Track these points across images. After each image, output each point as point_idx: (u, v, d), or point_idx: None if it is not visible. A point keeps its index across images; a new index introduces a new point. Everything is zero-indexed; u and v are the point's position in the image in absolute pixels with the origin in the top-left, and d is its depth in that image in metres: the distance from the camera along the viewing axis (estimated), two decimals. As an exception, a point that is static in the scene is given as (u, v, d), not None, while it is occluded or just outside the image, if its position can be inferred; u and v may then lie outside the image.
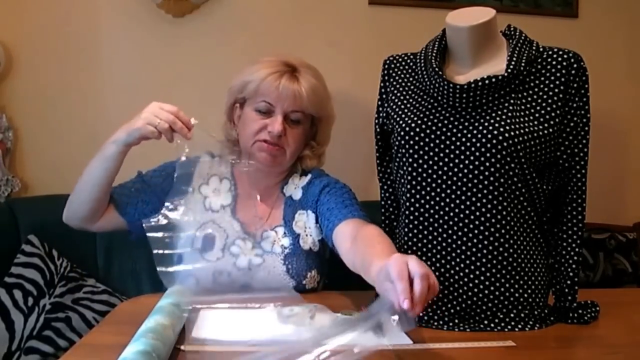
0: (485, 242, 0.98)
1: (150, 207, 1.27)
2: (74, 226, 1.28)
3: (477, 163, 0.98)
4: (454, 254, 0.99)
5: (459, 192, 0.99)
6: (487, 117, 0.99)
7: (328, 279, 1.34)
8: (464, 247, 0.99)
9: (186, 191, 1.27)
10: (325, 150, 1.40)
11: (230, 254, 1.24)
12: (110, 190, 1.25)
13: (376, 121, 1.20)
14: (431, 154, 1.01)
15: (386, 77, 1.18)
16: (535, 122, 1.00)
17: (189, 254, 1.23)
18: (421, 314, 1.01)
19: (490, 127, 0.98)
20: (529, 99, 1.02)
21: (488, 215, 0.98)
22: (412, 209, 1.03)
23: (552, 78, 1.03)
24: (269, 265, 1.23)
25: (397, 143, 1.06)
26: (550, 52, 1.05)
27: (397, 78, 1.16)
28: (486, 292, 0.98)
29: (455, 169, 0.99)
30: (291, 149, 1.28)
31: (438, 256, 1.01)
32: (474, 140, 0.98)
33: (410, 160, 1.03)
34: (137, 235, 1.27)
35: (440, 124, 1.01)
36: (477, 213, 0.98)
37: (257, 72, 1.26)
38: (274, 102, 1.25)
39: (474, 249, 0.98)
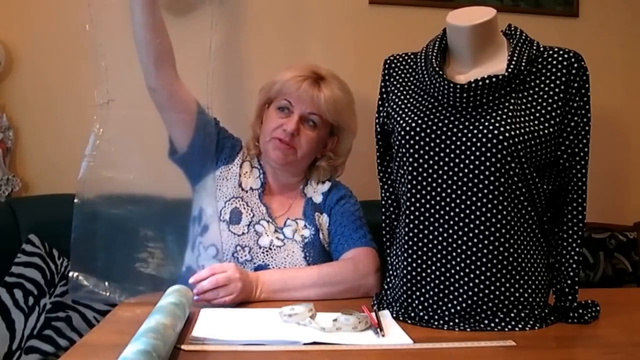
0: (486, 242, 0.98)
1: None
2: (153, 83, 1.26)
3: (477, 163, 0.98)
4: (454, 254, 0.99)
5: (459, 192, 0.99)
6: (488, 117, 0.99)
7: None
8: (464, 247, 0.99)
9: (232, 161, 1.38)
10: (342, 163, 1.46)
11: (254, 231, 1.31)
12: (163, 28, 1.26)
13: (376, 121, 1.20)
14: (431, 153, 1.01)
15: (386, 77, 1.18)
16: (536, 122, 1.00)
17: (216, 224, 1.27)
18: (421, 314, 1.02)
19: (491, 127, 0.98)
20: (530, 98, 1.02)
21: (488, 214, 0.98)
22: (412, 208, 1.03)
23: (553, 78, 1.03)
24: (288, 249, 1.30)
25: (397, 143, 1.06)
26: (550, 52, 1.05)
27: (397, 78, 1.16)
28: (486, 291, 0.98)
29: (456, 169, 0.99)
30: (303, 150, 1.35)
31: (438, 255, 1.01)
32: (474, 139, 0.98)
33: (411, 159, 1.03)
34: (180, 156, 1.33)
35: (440, 124, 1.01)
36: (478, 213, 0.98)
37: (284, 74, 1.35)
38: (294, 102, 1.33)
39: (474, 249, 0.98)
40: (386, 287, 1.13)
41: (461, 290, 0.99)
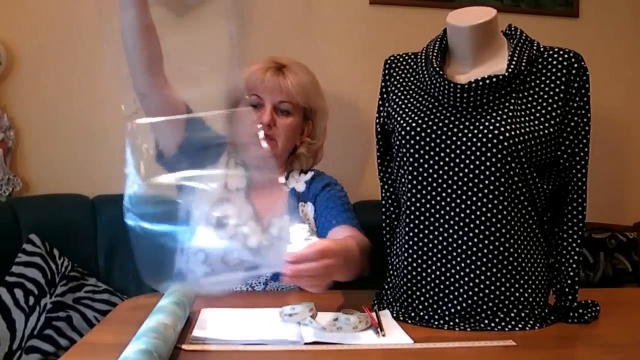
0: (486, 242, 0.98)
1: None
2: (143, 88, 1.23)
3: (477, 163, 0.98)
4: (454, 254, 1.00)
5: (459, 192, 0.99)
6: (488, 117, 0.99)
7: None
8: (464, 247, 0.99)
9: (218, 160, 1.36)
10: (321, 147, 1.46)
11: (242, 234, 1.29)
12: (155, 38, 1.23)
13: (377, 121, 1.20)
14: (432, 153, 1.01)
15: (387, 77, 1.18)
16: (536, 122, 1.01)
17: (203, 229, 1.25)
18: (422, 314, 1.02)
19: (491, 127, 0.98)
20: (530, 98, 1.02)
21: (489, 215, 0.98)
22: (412, 208, 1.03)
23: (553, 78, 1.03)
24: (277, 248, 1.26)
25: (397, 143, 1.06)
26: (551, 52, 1.05)
27: (398, 78, 1.16)
28: (486, 291, 0.98)
29: (456, 169, 1.00)
30: (282, 139, 1.36)
31: (439, 255, 1.01)
32: (474, 140, 0.98)
33: (411, 160, 1.03)
34: (168, 159, 1.29)
35: (441, 124, 1.02)
36: (478, 213, 0.98)
37: (247, 70, 1.35)
38: (262, 95, 1.34)
39: (474, 249, 0.98)
40: (387, 287, 1.13)
41: (461, 290, 0.99)
